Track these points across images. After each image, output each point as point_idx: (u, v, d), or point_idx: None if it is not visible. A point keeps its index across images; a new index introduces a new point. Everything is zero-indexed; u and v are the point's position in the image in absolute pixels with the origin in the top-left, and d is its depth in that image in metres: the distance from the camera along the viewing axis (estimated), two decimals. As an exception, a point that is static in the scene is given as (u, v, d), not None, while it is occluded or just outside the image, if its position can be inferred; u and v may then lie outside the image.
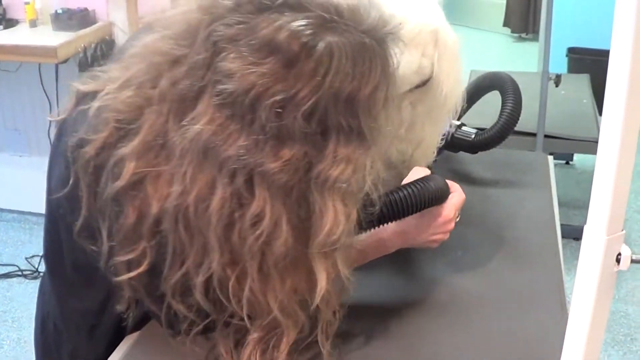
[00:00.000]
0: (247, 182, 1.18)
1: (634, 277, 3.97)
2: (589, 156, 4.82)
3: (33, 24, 4.16)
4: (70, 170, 1.31)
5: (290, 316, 1.31)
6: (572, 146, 4.28)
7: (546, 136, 3.99)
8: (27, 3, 4.13)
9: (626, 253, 1.02)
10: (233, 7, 1.18)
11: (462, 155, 2.19)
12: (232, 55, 1.15)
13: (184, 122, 1.19)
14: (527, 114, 3.62)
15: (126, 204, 1.25)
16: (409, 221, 1.57)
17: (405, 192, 1.52)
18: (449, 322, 1.61)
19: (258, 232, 1.19)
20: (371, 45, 1.20)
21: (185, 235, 1.23)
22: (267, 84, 1.13)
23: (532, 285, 1.72)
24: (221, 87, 1.15)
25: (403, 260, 1.81)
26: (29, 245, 4.46)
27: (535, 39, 7.90)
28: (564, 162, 5.39)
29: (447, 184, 1.62)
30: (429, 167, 1.97)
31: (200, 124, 1.17)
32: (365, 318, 1.60)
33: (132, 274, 1.29)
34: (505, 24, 8.51)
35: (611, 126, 0.95)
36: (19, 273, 4.24)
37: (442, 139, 1.99)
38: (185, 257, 1.26)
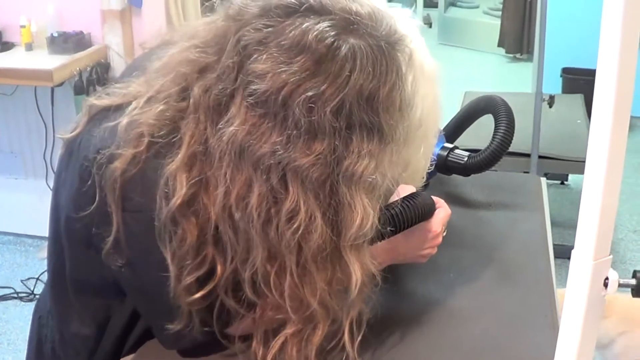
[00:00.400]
0: (282, 178, 1.23)
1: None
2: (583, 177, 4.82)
3: (29, 47, 4.18)
4: (87, 187, 1.34)
5: (326, 309, 1.35)
6: (566, 166, 4.29)
7: (540, 157, 4.00)
8: (23, 26, 4.15)
9: (613, 277, 1.03)
10: (260, 13, 1.25)
11: (455, 177, 2.20)
12: (263, 56, 1.22)
13: (219, 126, 1.25)
14: (522, 134, 3.65)
15: (184, 221, 1.29)
16: (399, 238, 1.60)
17: (394, 210, 1.55)
18: (441, 343, 1.62)
19: (295, 226, 1.24)
20: (387, 49, 1.28)
21: (231, 233, 1.29)
22: (298, 82, 1.20)
23: (524, 306, 1.72)
24: (253, 87, 1.22)
25: (395, 280, 1.82)
26: (25, 268, 4.46)
27: (530, 59, 7.93)
28: (559, 182, 5.41)
29: (433, 200, 1.66)
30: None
31: (234, 125, 1.23)
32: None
33: (205, 289, 1.34)
34: (500, 45, 8.53)
35: (597, 155, 0.96)
36: (15, 295, 4.23)
37: (432, 163, 2.00)
38: (234, 254, 1.31)
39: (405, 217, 1.56)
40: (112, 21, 4.20)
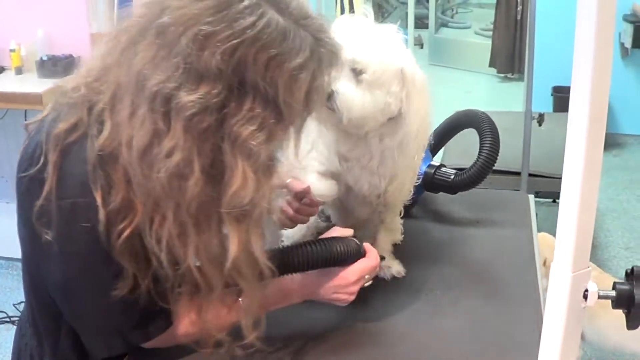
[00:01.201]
0: (166, 113, 1.26)
1: (622, 314, 3.96)
2: (575, 194, 4.83)
3: (19, 71, 4.19)
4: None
5: (206, 275, 1.38)
6: (557, 184, 4.21)
7: (531, 175, 4.00)
8: (12, 50, 4.16)
9: (593, 289, 1.03)
10: None
11: (443, 195, 2.21)
12: None
13: (130, 56, 1.31)
14: (512, 153, 3.66)
15: (110, 163, 1.33)
16: (312, 276, 1.64)
17: (308, 247, 1.59)
18: (425, 358, 1.63)
19: (171, 164, 1.26)
20: (305, 36, 1.32)
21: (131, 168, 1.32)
22: (197, 17, 1.24)
23: (511, 323, 1.72)
24: (161, 20, 1.27)
25: (381, 298, 1.83)
26: (17, 292, 4.44)
27: (521, 79, 7.94)
28: (550, 200, 5.41)
29: (358, 248, 1.65)
30: (407, 206, 1.99)
31: (138, 55, 1.28)
32: (343, 354, 1.63)
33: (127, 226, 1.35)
34: (491, 65, 8.53)
35: (573, 166, 0.97)
36: (7, 319, 4.22)
37: (418, 178, 2.00)
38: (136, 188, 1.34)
39: (316, 257, 1.59)
40: (102, 44, 4.21)
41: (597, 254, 4.65)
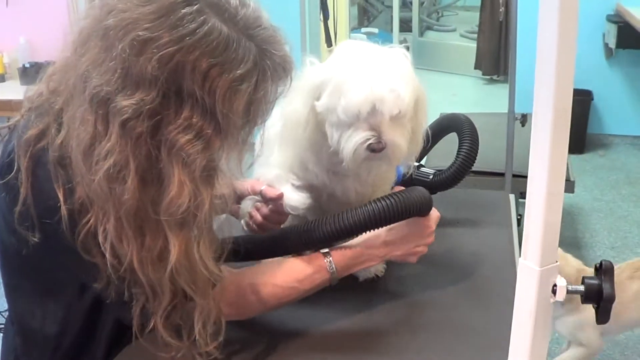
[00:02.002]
0: (105, 115, 1.26)
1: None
2: (561, 195, 4.84)
3: (1, 78, 4.19)
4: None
5: (150, 279, 1.36)
6: (541, 185, 4.28)
7: (515, 176, 4.00)
8: (-6, 58, 4.17)
9: (561, 283, 1.03)
10: None
11: (423, 195, 2.21)
12: None
13: (78, 56, 1.32)
14: (497, 154, 3.66)
15: (68, 165, 1.34)
16: (397, 228, 1.68)
17: (389, 200, 1.61)
18: (404, 357, 1.62)
19: (107, 165, 1.26)
20: (249, 47, 1.31)
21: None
22: (136, 22, 1.24)
23: (488, 321, 1.72)
24: (107, 22, 1.27)
25: (359, 296, 1.83)
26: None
27: (507, 80, 7.95)
28: (536, 201, 5.42)
29: (430, 197, 1.70)
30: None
31: (85, 56, 1.29)
32: (320, 352, 1.63)
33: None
34: (477, 67, 8.56)
35: (539, 157, 0.97)
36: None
37: (397, 181, 2.02)
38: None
39: (401, 208, 1.61)
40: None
41: (583, 254, 4.66)
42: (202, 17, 1.26)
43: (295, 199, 1.74)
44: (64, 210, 1.33)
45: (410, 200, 1.63)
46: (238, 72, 1.29)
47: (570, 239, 4.89)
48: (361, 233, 1.64)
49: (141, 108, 1.25)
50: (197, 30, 1.25)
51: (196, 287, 1.39)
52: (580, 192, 5.45)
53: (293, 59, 1.43)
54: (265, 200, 1.79)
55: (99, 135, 1.27)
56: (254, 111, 1.37)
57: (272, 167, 1.80)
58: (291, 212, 1.76)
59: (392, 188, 1.90)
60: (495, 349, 1.58)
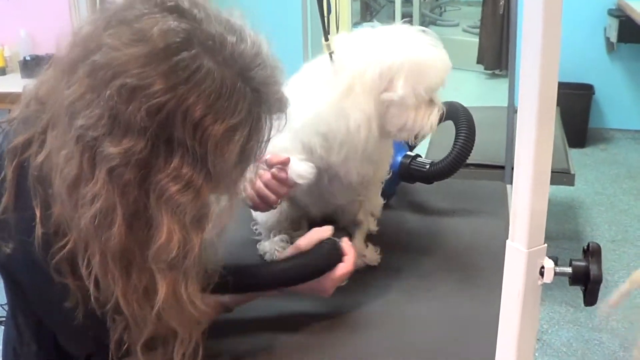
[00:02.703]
0: (92, 158, 1.20)
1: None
2: (562, 188, 4.85)
3: (2, 71, 4.19)
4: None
5: (135, 316, 1.32)
6: (542, 178, 4.28)
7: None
8: (-4, 51, 4.17)
9: (549, 265, 1.04)
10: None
11: (420, 186, 2.21)
12: (114, 31, 1.20)
13: (64, 84, 1.24)
14: (497, 147, 3.66)
15: (47, 185, 1.28)
16: None
17: (286, 265, 1.64)
18: (400, 347, 1.63)
19: (94, 209, 1.21)
20: (244, 91, 1.24)
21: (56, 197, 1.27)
22: (125, 66, 1.17)
23: (484, 311, 1.71)
24: (94, 57, 1.19)
25: (356, 285, 1.83)
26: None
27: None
28: (537, 194, 5.42)
29: (338, 258, 1.67)
30: (385, 198, 2.00)
31: (72, 87, 1.21)
32: (317, 340, 1.64)
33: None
34: (479, 62, 8.55)
35: (525, 139, 0.97)
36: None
37: (394, 171, 2.05)
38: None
39: (293, 276, 1.63)
40: None
41: (583, 247, 4.65)
42: (196, 64, 1.19)
43: (302, 166, 1.73)
44: (39, 230, 1.28)
45: (303, 270, 1.63)
46: (232, 120, 1.22)
47: (571, 232, 4.89)
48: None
49: (129, 157, 1.19)
50: (191, 78, 1.18)
51: (182, 323, 1.35)
52: (581, 185, 5.46)
53: (288, 98, 1.37)
54: (270, 166, 1.74)
55: (84, 177, 1.21)
56: (247, 155, 1.31)
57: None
58: (297, 180, 1.72)
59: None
60: (492, 337, 1.60)
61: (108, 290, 1.28)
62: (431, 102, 1.74)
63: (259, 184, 1.73)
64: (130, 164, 1.19)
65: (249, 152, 1.30)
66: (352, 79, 1.66)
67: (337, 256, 1.66)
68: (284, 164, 1.72)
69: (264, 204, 1.76)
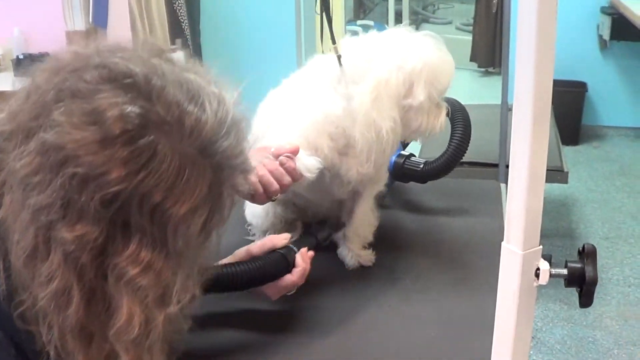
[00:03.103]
0: (46, 238, 1.13)
1: (601, 304, 3.98)
2: (555, 185, 4.86)
3: (-5, 70, 4.18)
4: None
5: None
6: (535, 176, 4.28)
7: (508, 166, 4.00)
8: (-12, 50, 4.16)
9: (544, 267, 1.04)
10: (97, 64, 1.16)
11: (414, 185, 2.21)
12: (66, 109, 1.11)
13: (16, 154, 1.15)
14: (491, 145, 3.66)
15: (5, 240, 1.20)
16: None
17: (236, 269, 1.61)
18: (396, 348, 1.63)
19: (49, 289, 1.15)
20: (204, 170, 1.17)
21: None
22: (77, 151, 1.09)
23: (479, 309, 1.72)
24: (44, 134, 1.11)
25: (350, 286, 1.84)
26: None
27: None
28: (530, 192, 5.42)
29: (286, 267, 1.66)
30: (379, 197, 2.00)
31: (22, 160, 1.13)
32: (311, 340, 1.64)
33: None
34: (472, 59, 8.55)
35: (521, 140, 0.97)
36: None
37: (389, 171, 2.06)
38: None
39: (241, 280, 1.61)
40: (78, 42, 4.18)
41: (577, 245, 4.62)
42: (153, 149, 1.10)
43: (310, 160, 1.71)
44: (2, 281, 1.20)
45: (251, 275, 1.62)
46: (192, 201, 1.15)
47: (565, 229, 4.90)
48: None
49: (84, 243, 1.11)
50: (147, 164, 1.10)
51: None
52: (574, 183, 5.47)
53: (251, 161, 1.30)
54: (277, 155, 1.69)
55: (40, 255, 1.14)
56: (210, 230, 1.24)
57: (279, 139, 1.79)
58: (304, 172, 1.69)
59: None
60: (488, 336, 1.60)
61: (69, 357, 1.21)
62: (439, 103, 1.80)
63: (264, 171, 1.67)
64: (86, 249, 1.12)
65: (211, 227, 1.24)
66: (377, 87, 1.70)
67: (285, 266, 1.65)
68: (294, 153, 1.69)
69: (264, 194, 1.69)
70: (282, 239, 1.69)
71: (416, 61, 1.71)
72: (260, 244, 1.67)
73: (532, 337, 3.74)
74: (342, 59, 1.74)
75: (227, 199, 1.24)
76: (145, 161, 1.10)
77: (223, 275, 1.59)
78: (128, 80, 1.13)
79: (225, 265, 1.61)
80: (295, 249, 1.68)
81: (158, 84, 1.14)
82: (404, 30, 1.79)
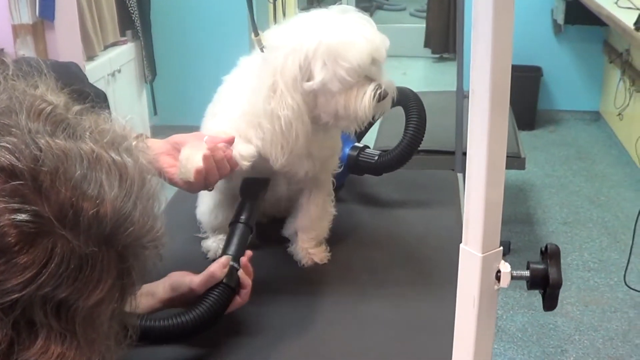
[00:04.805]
0: None
1: (561, 289, 3.96)
2: (513, 171, 4.84)
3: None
4: None
5: None
6: (493, 162, 4.26)
7: (465, 154, 3.97)
8: None
9: (505, 269, 0.98)
10: None
11: (370, 177, 2.16)
12: None
13: None
14: (447, 132, 3.63)
15: None
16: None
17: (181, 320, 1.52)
18: (353, 347, 1.58)
19: None
20: (107, 258, 1.08)
21: None
22: None
23: (438, 306, 1.67)
24: None
25: (306, 284, 1.79)
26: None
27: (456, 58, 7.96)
28: (488, 179, 5.41)
29: (231, 294, 1.59)
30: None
31: None
32: (267, 341, 1.59)
33: None
34: (426, 45, 8.56)
35: (478, 140, 0.91)
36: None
37: (342, 164, 1.99)
38: None
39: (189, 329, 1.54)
40: (24, 36, 4.10)
41: (535, 230, 4.67)
42: (50, 252, 1.02)
43: (244, 147, 1.66)
44: None
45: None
46: (97, 293, 1.07)
47: (523, 215, 4.88)
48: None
49: None
50: (47, 266, 1.02)
51: None
52: (531, 168, 5.46)
53: (164, 232, 1.18)
54: (212, 143, 1.63)
55: None
56: (120, 312, 1.17)
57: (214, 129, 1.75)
58: (240, 160, 1.65)
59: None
60: (448, 334, 1.55)
61: None
62: (367, 82, 1.66)
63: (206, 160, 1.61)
64: None
65: (121, 309, 1.17)
66: (273, 76, 1.62)
67: (233, 294, 1.59)
68: (230, 142, 1.64)
69: (203, 181, 1.63)
70: (222, 267, 1.60)
71: (311, 40, 1.61)
72: (204, 281, 1.59)
73: (493, 326, 3.72)
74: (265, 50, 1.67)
75: (138, 276, 1.15)
76: (43, 265, 1.01)
77: (176, 325, 1.52)
78: (14, 182, 1.01)
79: (177, 314, 1.53)
80: (236, 265, 1.60)
81: (47, 180, 1.02)
82: (318, 12, 1.70)
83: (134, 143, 1.14)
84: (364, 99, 1.64)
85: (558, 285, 1.03)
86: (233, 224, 1.71)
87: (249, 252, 1.65)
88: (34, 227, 1.00)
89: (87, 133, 1.08)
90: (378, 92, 1.65)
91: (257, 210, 1.76)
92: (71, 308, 1.05)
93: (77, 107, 1.12)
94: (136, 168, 1.10)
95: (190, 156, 1.61)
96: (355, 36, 1.62)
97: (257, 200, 1.77)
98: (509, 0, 0.84)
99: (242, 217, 1.71)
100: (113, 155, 1.08)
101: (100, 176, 1.05)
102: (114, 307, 1.11)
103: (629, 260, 3.96)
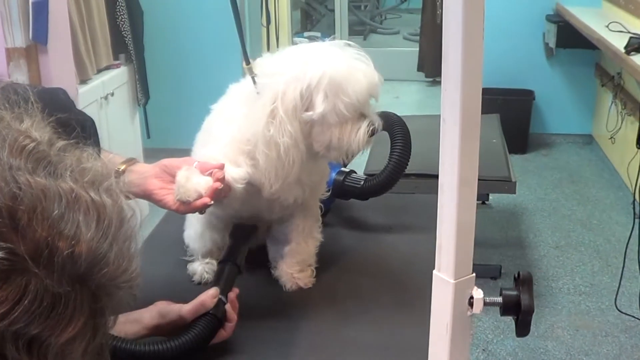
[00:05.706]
0: None
1: (552, 314, 3.97)
2: (504, 195, 4.85)
3: None
4: None
5: None
6: (484, 186, 4.26)
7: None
8: None
9: (478, 296, 0.99)
10: None
11: (356, 202, 2.16)
12: None
13: None
14: (437, 155, 3.63)
15: None
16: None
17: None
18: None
19: None
20: (81, 297, 1.06)
21: None
22: None
23: (423, 332, 1.65)
24: None
25: (290, 308, 1.79)
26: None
27: (450, 82, 7.97)
28: (480, 202, 5.41)
29: (217, 325, 1.62)
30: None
31: None
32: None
33: None
34: (419, 69, 8.59)
35: (449, 166, 0.92)
36: None
37: (329, 189, 2.01)
38: None
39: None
40: (18, 59, 4.10)
41: (527, 254, 4.67)
42: (22, 290, 1.00)
43: (236, 170, 1.68)
44: None
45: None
46: (69, 331, 1.05)
47: (514, 239, 4.89)
48: None
49: None
50: (18, 305, 1.00)
51: None
52: (523, 192, 5.47)
53: (139, 273, 1.15)
54: (202, 170, 1.64)
55: None
56: (96, 345, 1.12)
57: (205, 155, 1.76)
58: (233, 183, 1.66)
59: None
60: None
61: None
62: (361, 117, 1.70)
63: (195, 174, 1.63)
64: None
65: (96, 343, 1.13)
66: (273, 103, 1.63)
67: (219, 325, 1.62)
68: (220, 168, 1.64)
69: (201, 204, 1.63)
70: (212, 298, 1.62)
71: (315, 71, 1.64)
72: (194, 309, 1.61)
73: (483, 350, 3.71)
74: (257, 79, 1.69)
75: (111, 315, 1.13)
76: (16, 302, 0.99)
77: (166, 350, 1.54)
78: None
79: (165, 340, 1.55)
80: (224, 299, 1.63)
81: (24, 219, 1.01)
82: (323, 43, 1.74)
83: (114, 182, 1.14)
84: (359, 134, 1.69)
85: (530, 311, 1.03)
86: (223, 262, 1.75)
87: (236, 289, 1.68)
88: (8, 264, 0.99)
89: (68, 172, 1.07)
90: (371, 128, 1.70)
91: (245, 253, 1.80)
92: (43, 344, 1.04)
93: (60, 143, 1.10)
94: (115, 208, 1.09)
95: (190, 177, 1.61)
96: (356, 72, 1.66)
97: (246, 243, 1.82)
98: (477, 30, 0.84)
99: (232, 258, 1.75)
100: (92, 195, 1.07)
101: (78, 216, 1.04)
102: (87, 343, 1.09)
103: (620, 284, 3.97)
